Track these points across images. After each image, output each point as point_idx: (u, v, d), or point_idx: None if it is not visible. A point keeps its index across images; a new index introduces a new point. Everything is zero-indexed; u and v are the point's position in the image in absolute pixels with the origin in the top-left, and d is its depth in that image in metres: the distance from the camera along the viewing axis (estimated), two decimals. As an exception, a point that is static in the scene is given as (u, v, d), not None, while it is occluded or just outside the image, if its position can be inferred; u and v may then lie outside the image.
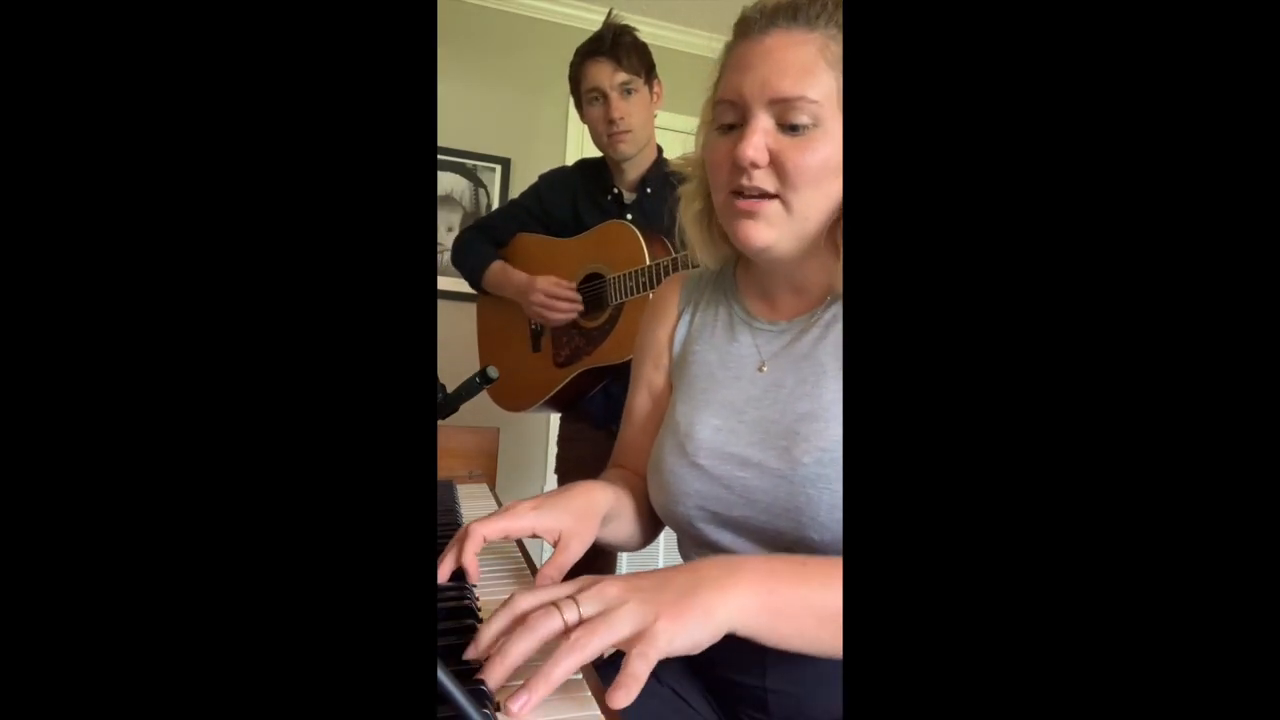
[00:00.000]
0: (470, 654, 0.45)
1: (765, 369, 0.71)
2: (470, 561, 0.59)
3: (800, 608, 0.48)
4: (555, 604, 0.45)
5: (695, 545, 0.72)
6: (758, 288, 0.75)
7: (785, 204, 0.63)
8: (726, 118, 0.65)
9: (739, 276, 0.78)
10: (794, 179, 0.62)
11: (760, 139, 0.62)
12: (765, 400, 0.68)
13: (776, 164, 0.62)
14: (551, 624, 0.44)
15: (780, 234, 0.64)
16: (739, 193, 0.64)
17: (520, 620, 0.45)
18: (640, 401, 0.84)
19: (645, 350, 0.84)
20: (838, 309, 0.68)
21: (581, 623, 0.44)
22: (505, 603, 0.47)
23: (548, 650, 0.43)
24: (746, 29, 0.65)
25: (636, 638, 0.42)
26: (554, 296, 1.44)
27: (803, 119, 0.61)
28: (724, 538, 0.68)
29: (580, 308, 1.46)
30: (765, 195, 0.63)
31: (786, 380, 0.68)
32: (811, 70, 0.61)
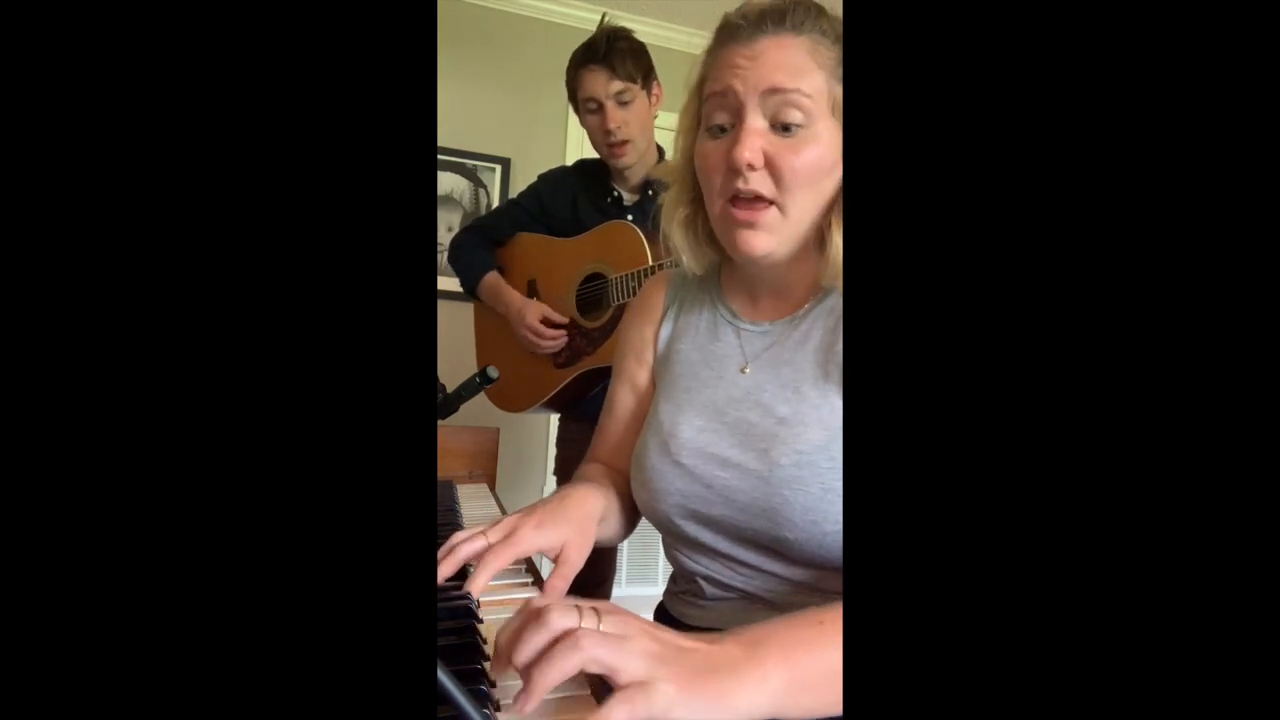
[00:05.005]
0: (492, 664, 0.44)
1: (748, 370, 0.71)
2: (479, 588, 0.58)
3: (821, 676, 0.46)
4: (577, 608, 0.43)
5: (676, 540, 0.73)
6: (742, 288, 0.76)
7: (781, 209, 0.64)
8: (717, 118, 0.65)
9: (724, 276, 0.79)
10: (789, 181, 0.63)
11: (756, 140, 0.62)
12: (747, 402, 0.69)
13: (771, 166, 0.63)
14: (567, 621, 0.42)
15: (779, 240, 0.65)
16: (734, 199, 0.64)
17: (535, 615, 0.43)
18: (622, 397, 0.84)
19: (629, 346, 0.84)
20: (817, 312, 0.69)
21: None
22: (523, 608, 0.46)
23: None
24: (733, 34, 0.65)
25: (635, 685, 0.40)
26: (540, 335, 1.47)
27: (796, 116, 0.62)
28: (703, 535, 0.69)
29: (564, 341, 1.48)
30: (761, 201, 0.64)
31: (768, 383, 0.69)
32: (803, 70, 0.62)
